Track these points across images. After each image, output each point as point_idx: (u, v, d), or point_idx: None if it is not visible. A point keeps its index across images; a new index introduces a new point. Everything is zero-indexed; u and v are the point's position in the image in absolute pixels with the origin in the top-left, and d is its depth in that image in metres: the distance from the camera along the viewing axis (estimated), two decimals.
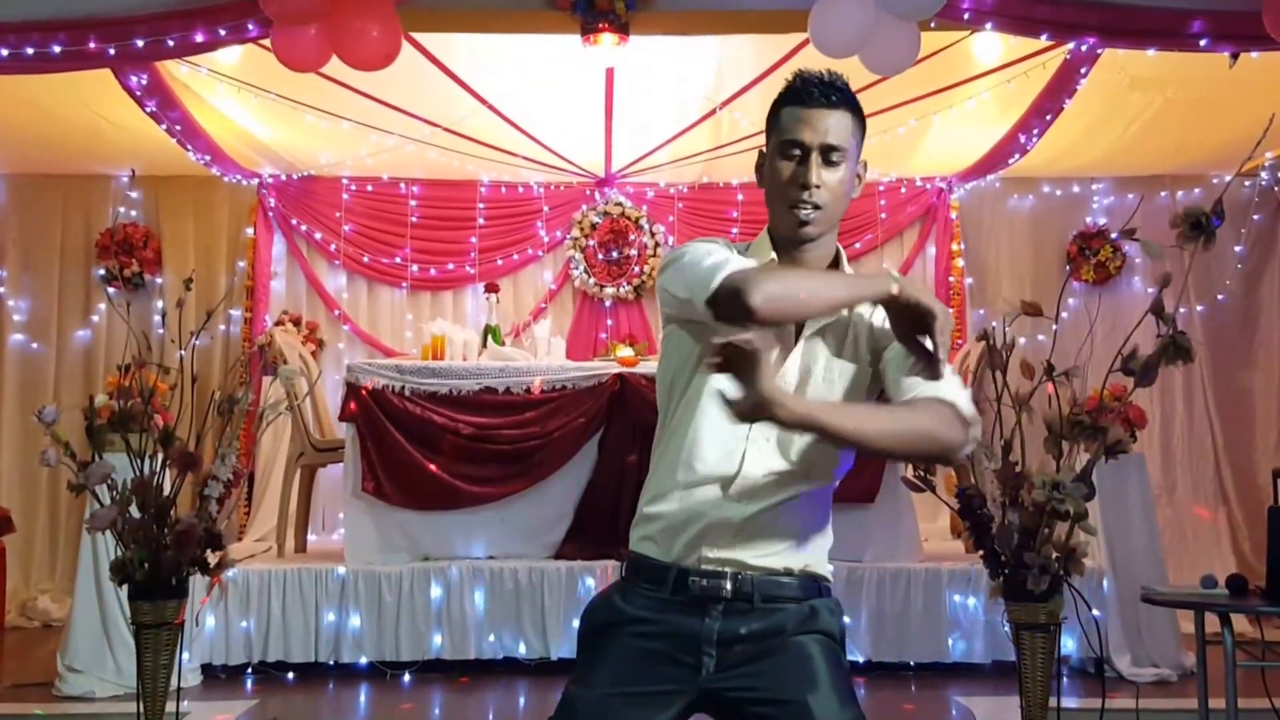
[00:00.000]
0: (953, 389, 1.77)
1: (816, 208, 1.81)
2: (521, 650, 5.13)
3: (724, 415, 1.64)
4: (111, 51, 4.83)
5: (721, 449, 1.82)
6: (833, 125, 1.81)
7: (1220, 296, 7.09)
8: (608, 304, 7.41)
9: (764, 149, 1.91)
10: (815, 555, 1.89)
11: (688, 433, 1.84)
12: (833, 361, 1.87)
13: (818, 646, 1.83)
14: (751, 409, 1.59)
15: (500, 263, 7.40)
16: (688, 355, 1.87)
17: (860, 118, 1.87)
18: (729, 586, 1.81)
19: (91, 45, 4.80)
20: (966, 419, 1.75)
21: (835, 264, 1.91)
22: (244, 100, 5.94)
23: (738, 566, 1.82)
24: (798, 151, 1.82)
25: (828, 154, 1.81)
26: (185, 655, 4.27)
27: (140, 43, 4.78)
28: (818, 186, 1.80)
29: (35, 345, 7.09)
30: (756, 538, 1.83)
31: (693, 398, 1.85)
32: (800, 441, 1.83)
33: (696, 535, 1.82)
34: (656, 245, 7.37)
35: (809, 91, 1.83)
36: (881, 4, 4.47)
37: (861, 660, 5.04)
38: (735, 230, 7.41)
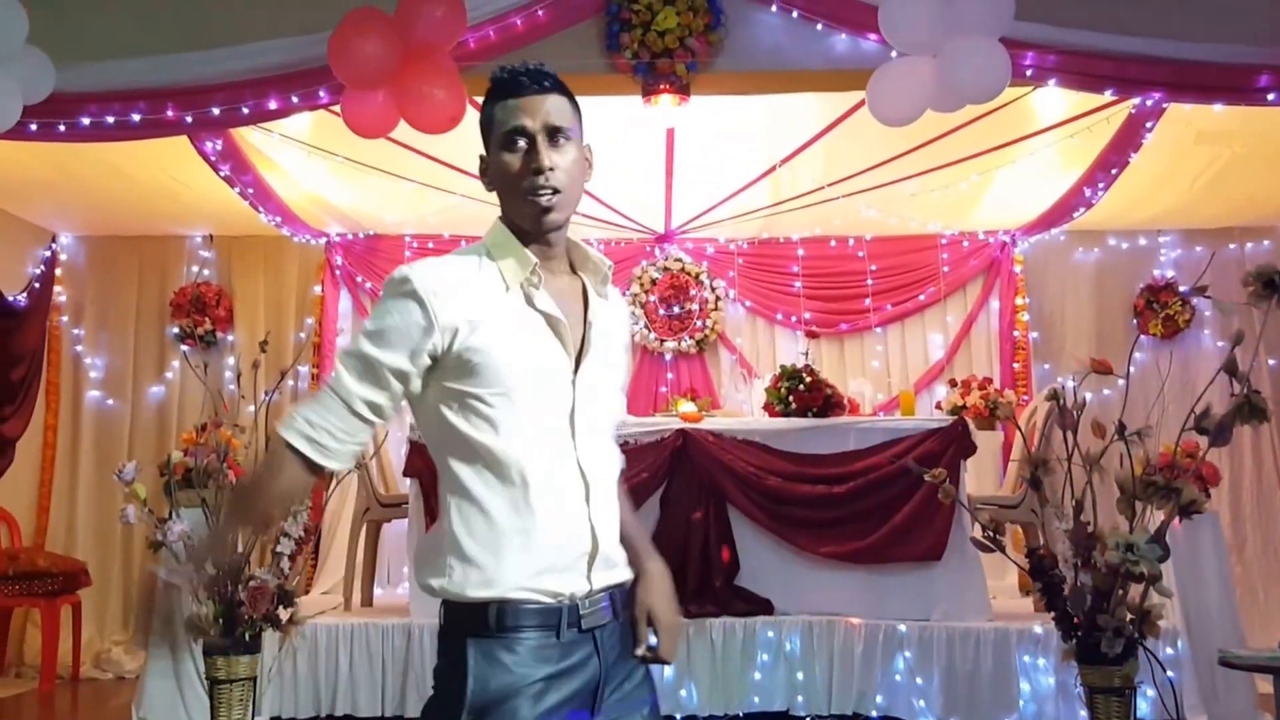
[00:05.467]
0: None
1: (556, 191, 1.72)
2: None
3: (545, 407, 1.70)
4: (189, 119, 4.99)
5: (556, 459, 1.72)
6: (551, 108, 1.74)
7: None
8: (668, 358, 7.45)
9: (484, 154, 1.82)
10: None
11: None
12: (609, 351, 1.83)
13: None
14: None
15: None
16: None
17: (575, 102, 1.79)
18: (609, 611, 1.74)
19: (169, 113, 4.96)
20: None
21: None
22: (313, 163, 6.10)
23: (613, 586, 1.75)
24: (523, 141, 1.73)
25: (553, 135, 1.73)
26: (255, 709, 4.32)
27: (216, 111, 4.94)
28: (552, 169, 1.71)
29: (111, 402, 7.27)
30: (616, 546, 1.77)
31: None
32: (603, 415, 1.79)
33: (579, 561, 1.71)
34: (717, 299, 7.41)
35: (519, 82, 1.75)
36: (943, 84, 4.48)
37: None
38: (797, 285, 7.43)
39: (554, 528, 1.68)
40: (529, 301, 1.72)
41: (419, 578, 1.72)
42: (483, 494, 1.67)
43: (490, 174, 1.80)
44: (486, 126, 1.79)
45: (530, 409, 1.69)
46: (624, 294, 7.49)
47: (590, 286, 1.82)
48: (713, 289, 7.43)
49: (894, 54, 4.68)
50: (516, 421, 1.67)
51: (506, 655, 1.63)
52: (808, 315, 7.39)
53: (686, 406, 5.86)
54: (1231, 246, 7.06)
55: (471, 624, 1.65)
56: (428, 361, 1.67)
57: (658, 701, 1.79)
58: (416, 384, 1.69)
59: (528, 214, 1.74)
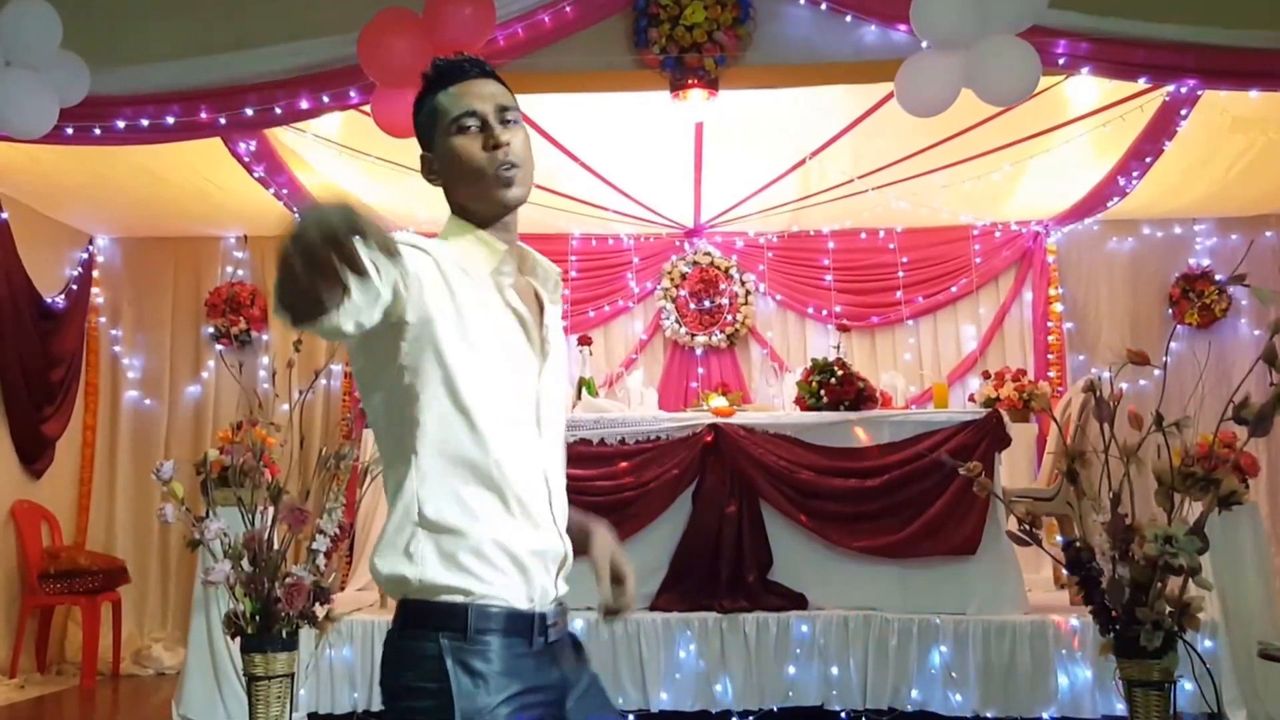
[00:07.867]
0: None
1: (515, 165, 1.66)
2: (620, 703, 5.11)
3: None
4: (222, 121, 5.04)
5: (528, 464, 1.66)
6: (496, 90, 1.70)
7: None
8: (699, 352, 7.45)
9: (426, 153, 1.74)
10: None
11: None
12: (561, 359, 1.79)
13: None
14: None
15: (592, 314, 7.49)
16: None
17: (511, 92, 1.75)
18: (564, 617, 1.71)
19: (203, 115, 5.01)
20: None
21: None
22: (345, 163, 6.13)
23: (563, 598, 1.71)
24: (474, 123, 1.67)
25: (503, 114, 1.69)
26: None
27: (249, 112, 4.98)
28: (508, 143, 1.66)
29: (148, 401, 7.36)
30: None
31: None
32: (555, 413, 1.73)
33: (550, 565, 1.67)
34: (748, 293, 7.40)
35: (460, 68, 1.70)
36: (969, 78, 4.45)
37: (969, 716, 4.93)
38: (828, 278, 7.41)
39: (530, 530, 1.63)
40: (501, 295, 1.67)
41: (383, 571, 1.61)
42: (456, 492, 1.58)
43: (440, 164, 1.71)
44: (430, 119, 1.72)
45: (507, 407, 1.64)
46: (654, 289, 7.51)
47: (541, 292, 1.76)
48: (743, 283, 7.42)
49: (924, 44, 4.65)
50: (492, 419, 1.61)
51: (482, 664, 1.54)
52: (838, 308, 7.36)
53: (718, 401, 5.85)
54: (1268, 234, 6.98)
55: (443, 628, 1.55)
56: (409, 300, 1.52)
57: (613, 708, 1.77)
58: (398, 303, 1.50)
59: (488, 195, 1.67)
